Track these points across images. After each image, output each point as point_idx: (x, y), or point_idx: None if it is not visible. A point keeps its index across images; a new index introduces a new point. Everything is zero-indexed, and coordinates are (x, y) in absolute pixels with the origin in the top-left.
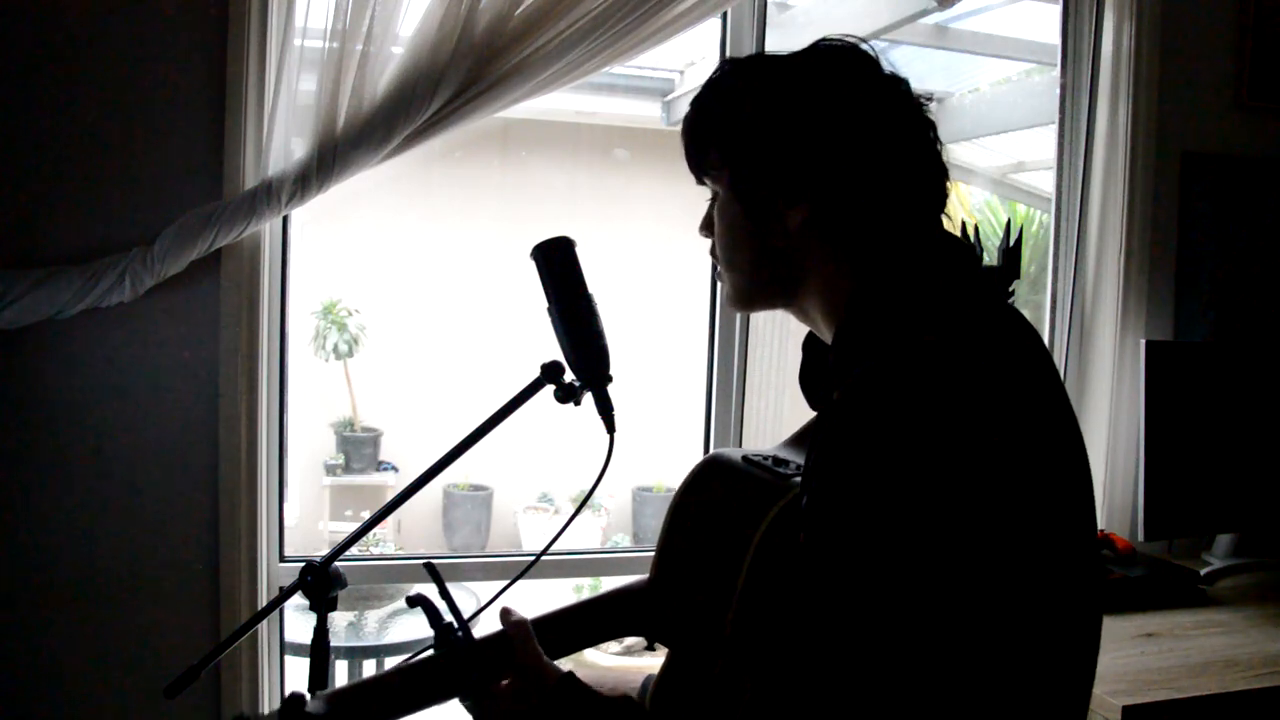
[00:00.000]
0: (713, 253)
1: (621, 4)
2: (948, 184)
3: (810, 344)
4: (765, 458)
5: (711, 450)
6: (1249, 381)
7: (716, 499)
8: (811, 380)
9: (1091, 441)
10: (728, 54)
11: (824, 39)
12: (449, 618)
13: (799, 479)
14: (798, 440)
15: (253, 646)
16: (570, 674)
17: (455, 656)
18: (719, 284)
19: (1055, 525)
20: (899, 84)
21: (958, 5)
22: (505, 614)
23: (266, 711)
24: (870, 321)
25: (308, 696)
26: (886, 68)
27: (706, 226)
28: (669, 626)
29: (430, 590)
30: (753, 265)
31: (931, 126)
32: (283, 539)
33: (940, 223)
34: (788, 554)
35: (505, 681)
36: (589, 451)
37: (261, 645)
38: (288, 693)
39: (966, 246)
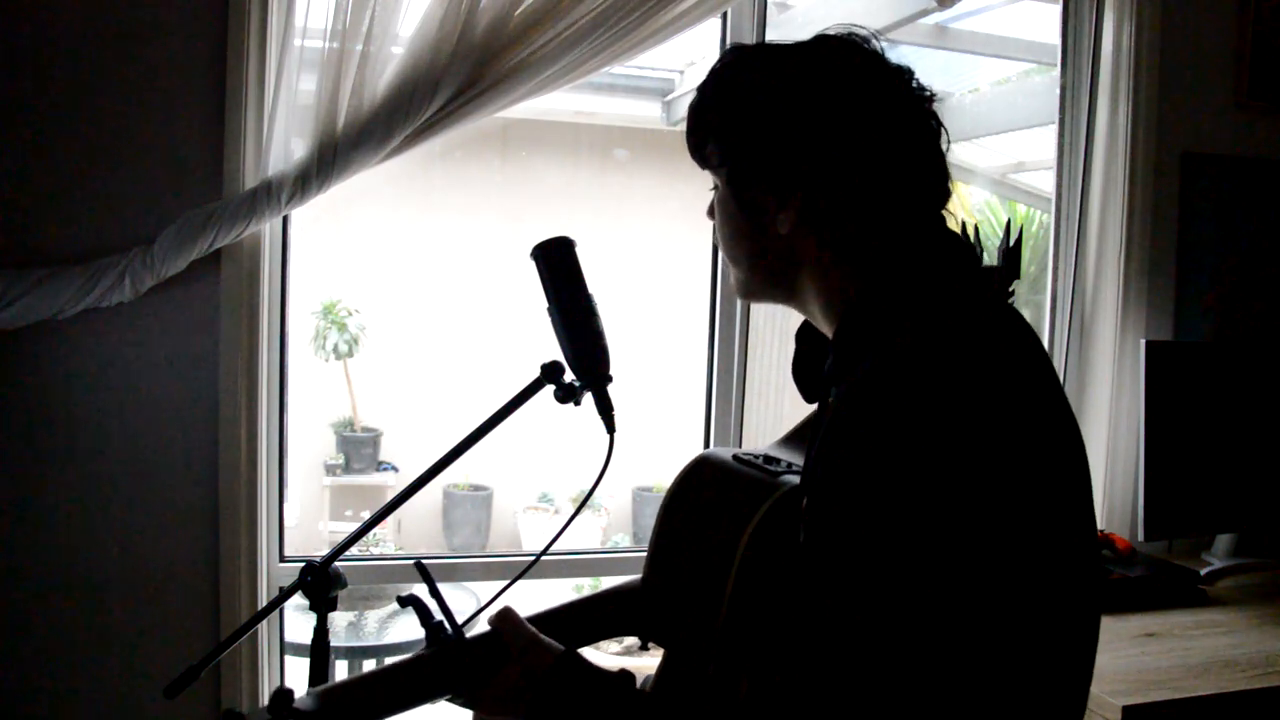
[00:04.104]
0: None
1: (621, 4)
2: (948, 181)
3: (804, 335)
4: (756, 456)
5: (703, 450)
6: (1249, 381)
7: (706, 498)
8: (805, 372)
9: (1091, 441)
10: None
11: (827, 31)
12: (440, 616)
13: (790, 477)
14: (790, 439)
15: (253, 646)
16: (571, 650)
17: (446, 654)
18: (724, 273)
19: (1055, 525)
20: (902, 79)
21: (958, 5)
22: (491, 616)
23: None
24: (869, 322)
25: (296, 692)
26: (893, 60)
27: (712, 213)
28: (662, 626)
29: (424, 591)
30: (750, 260)
31: (933, 117)
32: (283, 539)
33: (942, 220)
34: (779, 552)
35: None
36: (589, 451)
37: (261, 645)
38: (276, 688)
39: (966, 245)
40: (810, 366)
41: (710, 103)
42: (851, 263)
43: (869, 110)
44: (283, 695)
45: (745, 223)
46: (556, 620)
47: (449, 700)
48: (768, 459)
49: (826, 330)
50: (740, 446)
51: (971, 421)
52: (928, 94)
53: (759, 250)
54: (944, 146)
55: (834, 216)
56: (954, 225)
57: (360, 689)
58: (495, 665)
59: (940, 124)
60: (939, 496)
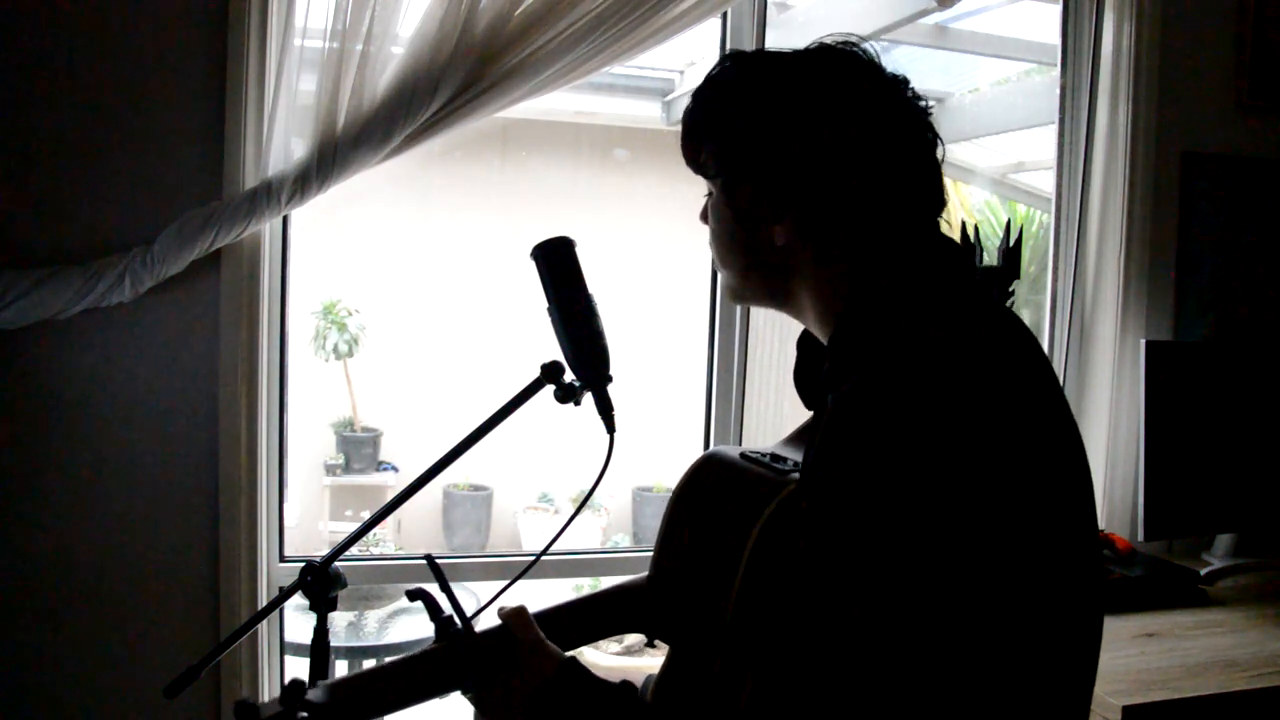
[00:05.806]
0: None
1: (621, 4)
2: (944, 189)
3: (805, 342)
4: (763, 454)
5: (710, 448)
6: (1249, 381)
7: (714, 495)
8: (806, 379)
9: (1091, 441)
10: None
11: (824, 40)
12: (449, 611)
13: (797, 474)
14: (795, 439)
15: (253, 646)
16: (572, 658)
17: (455, 649)
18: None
19: (1055, 526)
20: (897, 88)
21: (958, 5)
22: (501, 608)
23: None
24: (865, 328)
25: (308, 684)
26: (888, 68)
27: (704, 218)
28: (668, 623)
29: (432, 586)
30: (744, 268)
31: (929, 128)
32: (283, 539)
33: (937, 227)
34: (786, 549)
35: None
36: (589, 451)
37: (261, 645)
38: (288, 680)
39: (962, 250)
40: (811, 374)
41: (705, 110)
42: (847, 271)
43: (865, 121)
44: (295, 687)
45: (739, 230)
46: (560, 618)
47: (461, 694)
48: (775, 457)
49: (822, 336)
50: (740, 446)
51: (966, 424)
52: (924, 103)
53: (753, 258)
54: (940, 156)
55: (830, 226)
56: (950, 230)
57: (370, 682)
58: (504, 659)
59: (936, 135)
60: (934, 499)
